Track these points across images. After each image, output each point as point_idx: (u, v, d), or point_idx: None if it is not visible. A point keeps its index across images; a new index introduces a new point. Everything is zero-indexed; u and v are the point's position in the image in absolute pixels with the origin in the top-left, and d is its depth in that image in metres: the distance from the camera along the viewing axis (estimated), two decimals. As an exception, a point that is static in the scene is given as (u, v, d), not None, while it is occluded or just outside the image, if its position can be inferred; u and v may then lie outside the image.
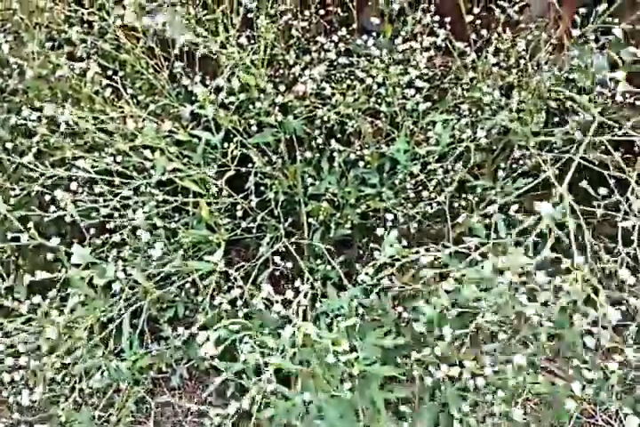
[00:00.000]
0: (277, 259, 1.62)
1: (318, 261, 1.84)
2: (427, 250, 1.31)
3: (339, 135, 1.91)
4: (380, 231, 1.46)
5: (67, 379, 1.37)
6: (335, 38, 1.80)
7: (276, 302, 1.17)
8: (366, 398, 1.23)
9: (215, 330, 1.11)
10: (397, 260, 1.32)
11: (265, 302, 1.20)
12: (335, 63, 1.80)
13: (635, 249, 1.32)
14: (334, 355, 1.15)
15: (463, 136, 1.56)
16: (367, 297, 1.42)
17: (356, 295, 1.39)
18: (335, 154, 1.81)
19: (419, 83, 1.62)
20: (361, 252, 2.14)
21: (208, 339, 1.08)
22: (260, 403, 1.21)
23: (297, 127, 1.81)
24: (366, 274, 1.33)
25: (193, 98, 1.59)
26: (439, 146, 1.54)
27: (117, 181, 1.47)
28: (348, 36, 1.77)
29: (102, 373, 1.38)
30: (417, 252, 1.30)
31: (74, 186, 1.33)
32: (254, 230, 1.82)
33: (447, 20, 1.67)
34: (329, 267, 1.80)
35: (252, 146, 1.75)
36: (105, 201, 1.44)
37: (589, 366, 1.26)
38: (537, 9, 2.06)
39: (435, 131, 1.54)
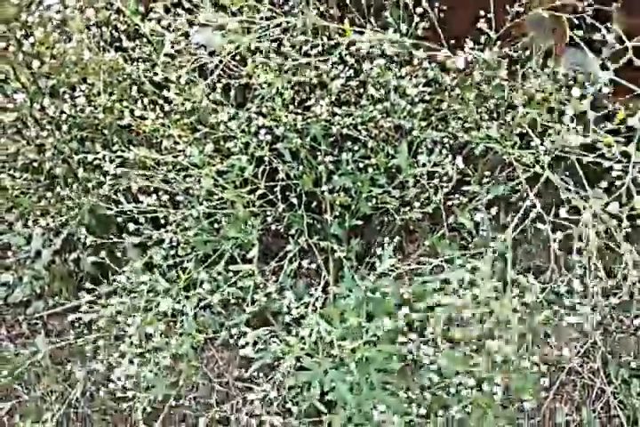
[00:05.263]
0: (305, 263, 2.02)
1: (336, 246, 2.23)
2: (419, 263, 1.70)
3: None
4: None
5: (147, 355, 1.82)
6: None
7: (296, 307, 1.59)
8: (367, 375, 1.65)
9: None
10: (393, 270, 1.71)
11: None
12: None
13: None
14: (339, 347, 1.57)
15: (445, 161, 1.92)
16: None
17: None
18: (349, 158, 2.17)
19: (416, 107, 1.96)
20: (378, 228, 2.54)
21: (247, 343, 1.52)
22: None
23: (317, 134, 2.17)
24: (369, 280, 1.73)
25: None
26: (426, 167, 1.91)
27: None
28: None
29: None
30: (409, 264, 1.69)
31: (145, 220, 1.74)
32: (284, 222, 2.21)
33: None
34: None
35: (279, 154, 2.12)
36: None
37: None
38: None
39: (422, 157, 1.90)
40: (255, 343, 1.58)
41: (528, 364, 1.53)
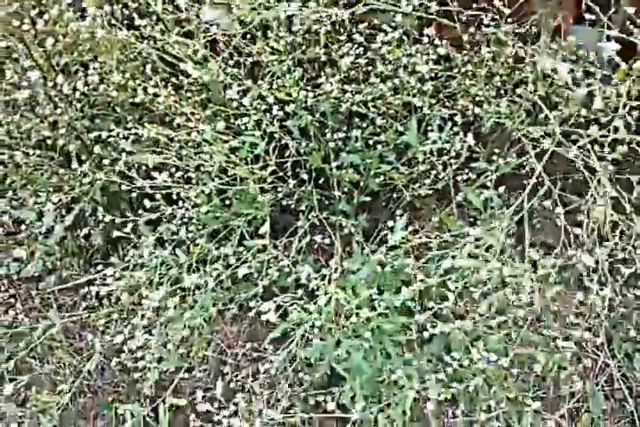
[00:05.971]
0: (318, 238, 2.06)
1: (344, 222, 2.27)
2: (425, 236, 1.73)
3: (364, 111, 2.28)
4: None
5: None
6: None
7: (315, 278, 1.63)
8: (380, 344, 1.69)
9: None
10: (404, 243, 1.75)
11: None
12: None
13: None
14: (357, 316, 1.61)
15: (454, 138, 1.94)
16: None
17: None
18: (358, 135, 2.19)
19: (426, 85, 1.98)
20: (386, 204, 2.57)
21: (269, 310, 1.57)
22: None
23: (326, 111, 2.19)
24: (380, 252, 1.76)
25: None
26: (436, 144, 1.93)
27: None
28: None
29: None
30: (420, 237, 1.72)
31: (158, 196, 1.78)
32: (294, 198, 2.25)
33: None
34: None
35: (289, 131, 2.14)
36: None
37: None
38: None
39: (433, 134, 1.92)
40: (279, 307, 1.64)
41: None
